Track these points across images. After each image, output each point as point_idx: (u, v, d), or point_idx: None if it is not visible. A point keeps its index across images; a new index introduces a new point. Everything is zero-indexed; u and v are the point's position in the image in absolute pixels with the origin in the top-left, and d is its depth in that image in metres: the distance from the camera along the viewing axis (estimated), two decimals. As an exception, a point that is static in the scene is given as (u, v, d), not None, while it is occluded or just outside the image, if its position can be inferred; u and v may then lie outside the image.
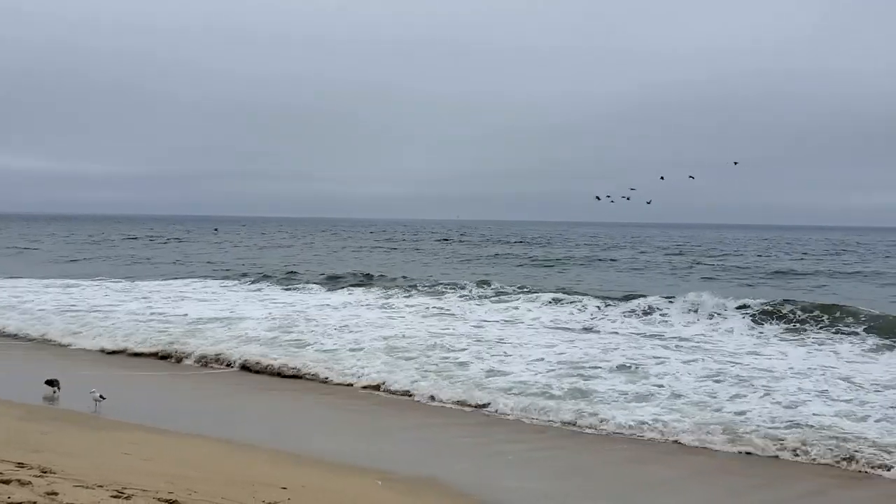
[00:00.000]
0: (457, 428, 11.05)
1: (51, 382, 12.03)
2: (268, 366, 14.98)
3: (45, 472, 6.69)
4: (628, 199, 29.48)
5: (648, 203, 29.36)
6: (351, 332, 18.67)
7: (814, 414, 11.38)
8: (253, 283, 31.25)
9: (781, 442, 10.11)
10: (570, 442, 10.51)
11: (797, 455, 9.76)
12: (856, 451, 9.62)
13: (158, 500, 6.29)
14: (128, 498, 6.18)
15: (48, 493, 5.87)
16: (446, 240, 79.30)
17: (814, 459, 9.60)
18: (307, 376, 14.40)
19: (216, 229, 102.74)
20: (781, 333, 19.28)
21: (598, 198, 30.31)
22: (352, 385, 13.71)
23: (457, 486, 8.35)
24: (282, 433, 10.59)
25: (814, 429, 10.59)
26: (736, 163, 28.98)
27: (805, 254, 57.93)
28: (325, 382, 14.00)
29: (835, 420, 11.06)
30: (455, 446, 10.16)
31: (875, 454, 9.54)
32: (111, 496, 6.18)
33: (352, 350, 16.38)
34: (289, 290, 29.16)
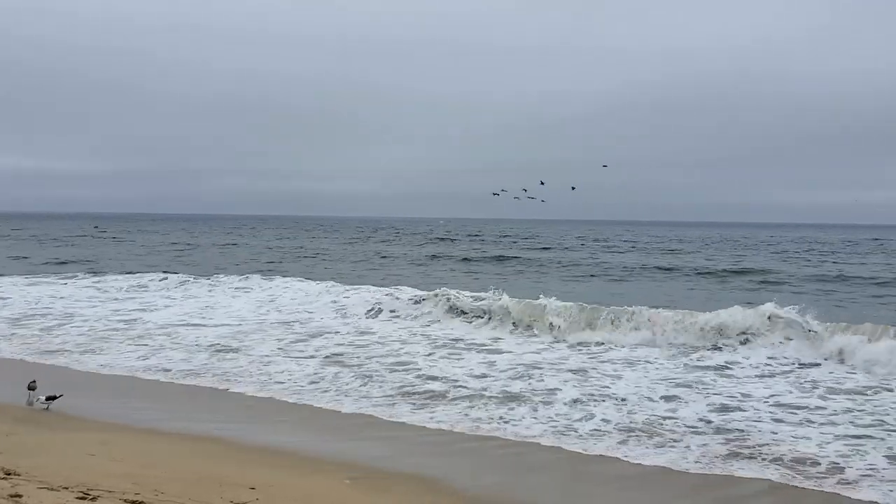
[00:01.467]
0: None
1: (31, 387, 11.37)
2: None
3: (9, 475, 6.65)
4: (529, 196, 28.60)
5: (542, 202, 28.53)
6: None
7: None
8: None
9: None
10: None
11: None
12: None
13: (125, 500, 6.29)
14: (94, 499, 6.18)
15: (12, 496, 5.84)
16: (394, 238, 77.93)
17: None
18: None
19: (96, 226, 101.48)
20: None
21: (495, 194, 29.63)
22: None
23: (424, 482, 8.43)
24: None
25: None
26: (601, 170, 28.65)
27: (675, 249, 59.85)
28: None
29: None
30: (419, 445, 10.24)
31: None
32: (77, 498, 6.17)
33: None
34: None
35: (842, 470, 9.00)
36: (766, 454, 9.57)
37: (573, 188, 29.51)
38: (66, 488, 6.42)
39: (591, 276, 36.24)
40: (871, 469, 9.04)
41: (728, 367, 14.76)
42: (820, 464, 9.21)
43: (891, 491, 8.36)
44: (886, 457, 9.45)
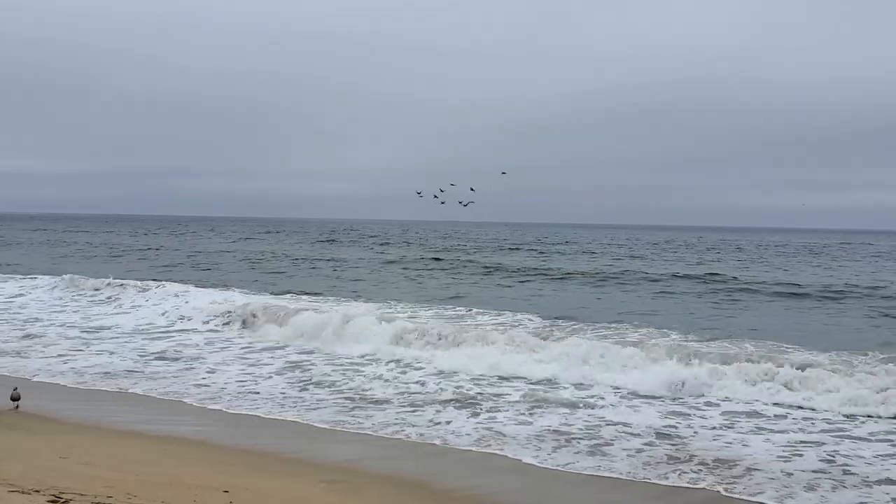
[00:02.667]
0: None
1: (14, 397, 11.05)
2: None
3: (-20, 478, 6.60)
4: (450, 197, 27.55)
5: (464, 205, 27.49)
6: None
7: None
8: None
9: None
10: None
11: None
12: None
13: (97, 504, 6.29)
14: (66, 503, 6.17)
15: (-17, 499, 5.82)
16: (332, 241, 75.70)
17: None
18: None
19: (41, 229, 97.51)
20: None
21: (419, 193, 28.59)
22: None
23: (400, 483, 8.49)
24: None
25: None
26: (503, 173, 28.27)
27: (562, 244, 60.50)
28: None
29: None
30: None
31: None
32: (48, 501, 6.15)
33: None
34: None
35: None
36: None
37: (503, 173, 28.68)
38: (38, 491, 6.39)
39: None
40: None
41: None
42: None
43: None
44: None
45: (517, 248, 61.92)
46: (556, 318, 20.37)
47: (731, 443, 10.38)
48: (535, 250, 59.46)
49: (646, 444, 10.29)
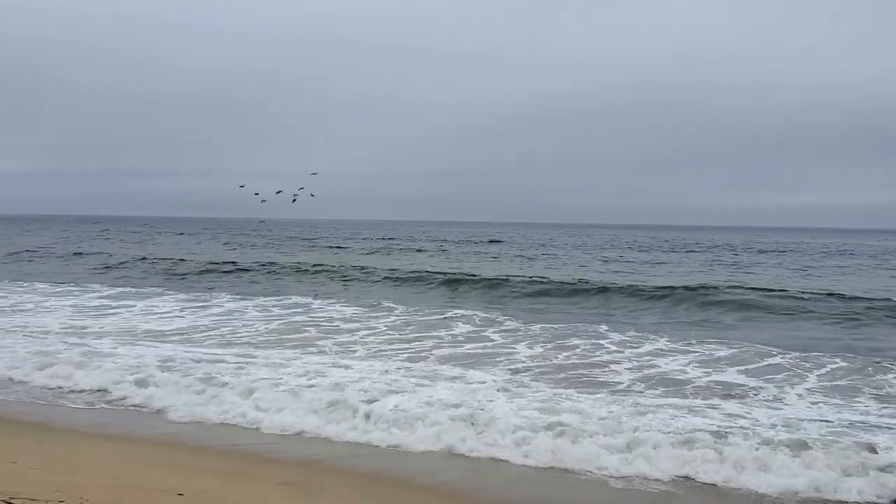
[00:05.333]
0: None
1: None
2: None
3: (-75, 484, 6.49)
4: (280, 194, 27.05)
5: (294, 199, 26.83)
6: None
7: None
8: None
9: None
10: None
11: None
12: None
13: (48, 509, 6.24)
14: (15, 508, 6.10)
15: (-71, 506, 5.73)
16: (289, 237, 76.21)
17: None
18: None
19: None
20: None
21: (256, 193, 27.94)
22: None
23: (359, 479, 8.55)
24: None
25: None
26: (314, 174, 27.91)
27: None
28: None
29: None
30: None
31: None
32: (-3, 507, 6.08)
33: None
34: None
35: None
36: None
37: (314, 173, 28.21)
38: (-14, 497, 6.31)
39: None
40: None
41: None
42: None
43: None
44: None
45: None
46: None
47: None
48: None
49: None
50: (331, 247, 61.98)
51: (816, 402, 11.89)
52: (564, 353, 16.03)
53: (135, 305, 23.49)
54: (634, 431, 9.78)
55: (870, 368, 14.54)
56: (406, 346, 16.87)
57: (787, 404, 11.80)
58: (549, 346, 16.94)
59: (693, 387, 13.01)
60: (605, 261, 48.68)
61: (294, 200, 25.76)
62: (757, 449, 9.16)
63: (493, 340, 17.72)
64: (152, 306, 23.39)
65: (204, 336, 17.93)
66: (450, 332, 18.79)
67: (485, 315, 21.81)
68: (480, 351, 16.39)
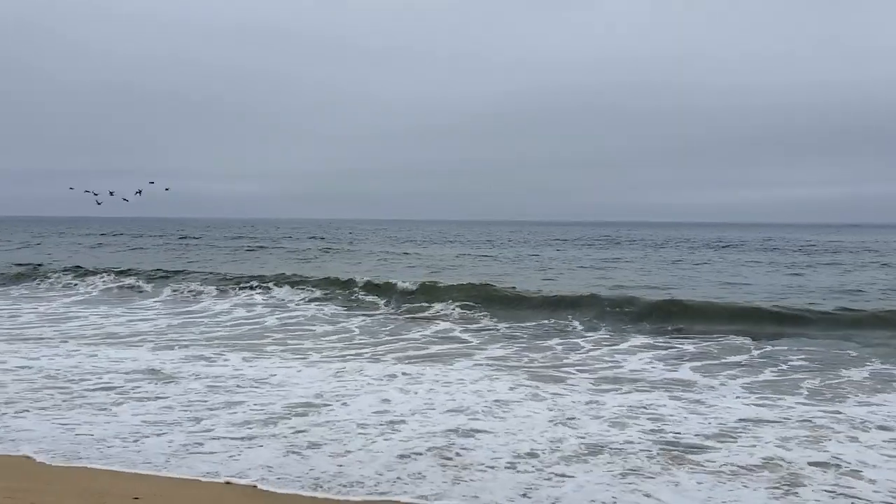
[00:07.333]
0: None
1: None
2: None
3: None
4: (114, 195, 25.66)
5: (125, 200, 26.14)
6: None
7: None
8: None
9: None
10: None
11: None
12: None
13: (0, 515, 6.19)
14: (-34, 515, 6.05)
15: None
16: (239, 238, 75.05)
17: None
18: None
19: None
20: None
21: (90, 192, 27.04)
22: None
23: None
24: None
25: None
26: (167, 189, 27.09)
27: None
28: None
29: None
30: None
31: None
32: (-54, 514, 6.03)
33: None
34: None
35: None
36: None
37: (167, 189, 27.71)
38: (-65, 505, 6.25)
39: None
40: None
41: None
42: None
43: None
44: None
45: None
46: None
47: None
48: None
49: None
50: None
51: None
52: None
53: None
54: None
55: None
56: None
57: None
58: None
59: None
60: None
61: (134, 196, 25.02)
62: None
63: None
64: None
65: None
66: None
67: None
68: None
